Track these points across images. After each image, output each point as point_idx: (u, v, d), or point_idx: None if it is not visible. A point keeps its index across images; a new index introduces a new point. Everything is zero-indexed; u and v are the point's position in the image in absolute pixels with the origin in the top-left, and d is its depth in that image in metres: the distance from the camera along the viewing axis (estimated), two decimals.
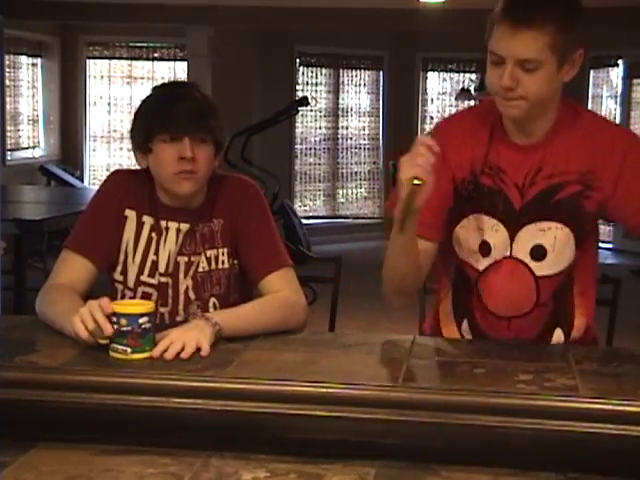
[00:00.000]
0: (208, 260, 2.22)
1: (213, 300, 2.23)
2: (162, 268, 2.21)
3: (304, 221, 9.52)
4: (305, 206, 10.36)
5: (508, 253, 2.00)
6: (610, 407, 1.55)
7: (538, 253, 1.99)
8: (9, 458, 1.55)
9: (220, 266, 2.22)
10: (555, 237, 1.98)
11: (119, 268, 2.22)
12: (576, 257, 2.02)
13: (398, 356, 1.87)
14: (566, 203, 1.96)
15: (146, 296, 2.18)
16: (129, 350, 1.78)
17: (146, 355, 1.79)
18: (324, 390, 1.61)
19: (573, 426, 1.54)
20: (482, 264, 2.03)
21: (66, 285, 2.13)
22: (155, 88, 2.34)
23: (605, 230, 10.01)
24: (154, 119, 2.16)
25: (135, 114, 2.25)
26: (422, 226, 1.92)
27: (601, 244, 9.92)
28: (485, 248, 2.02)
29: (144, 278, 2.21)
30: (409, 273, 1.99)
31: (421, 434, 1.58)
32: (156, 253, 2.21)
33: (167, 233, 2.22)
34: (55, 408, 1.64)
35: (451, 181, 2.01)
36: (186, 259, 2.21)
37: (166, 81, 2.48)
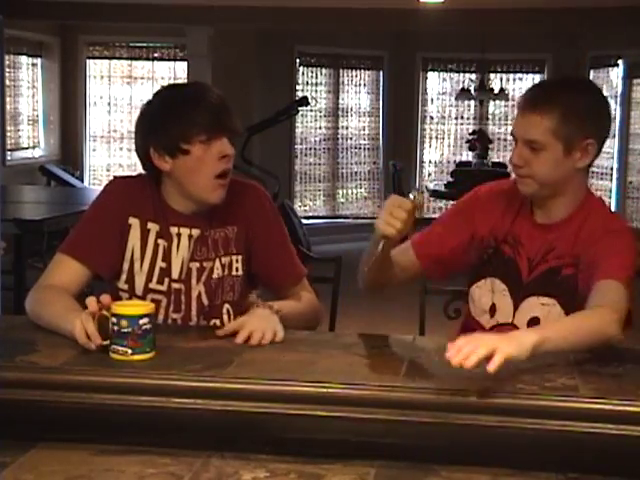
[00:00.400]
0: (223, 267, 2.21)
1: (227, 306, 2.23)
2: (175, 274, 2.19)
3: (304, 221, 9.52)
4: (305, 206, 10.36)
5: (510, 320, 2.16)
6: (610, 407, 1.55)
7: (533, 324, 2.12)
8: (9, 458, 1.55)
9: (234, 273, 2.23)
10: (549, 312, 2.11)
11: (123, 277, 2.19)
12: None
13: (398, 356, 1.87)
14: (565, 283, 2.10)
15: (155, 303, 2.12)
16: (129, 351, 1.78)
17: (146, 356, 1.79)
18: (324, 390, 1.61)
19: (573, 426, 1.54)
20: (488, 324, 2.21)
21: (59, 286, 2.11)
22: (167, 89, 2.27)
23: None
24: (188, 119, 2.08)
25: (153, 116, 2.15)
26: (421, 246, 2.22)
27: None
28: (493, 309, 2.20)
29: (153, 285, 2.18)
30: (378, 276, 2.21)
31: (421, 434, 1.58)
32: (165, 260, 2.18)
33: (179, 239, 2.19)
34: (55, 408, 1.64)
35: (470, 234, 2.22)
36: (198, 265, 2.20)
37: (172, 83, 2.42)
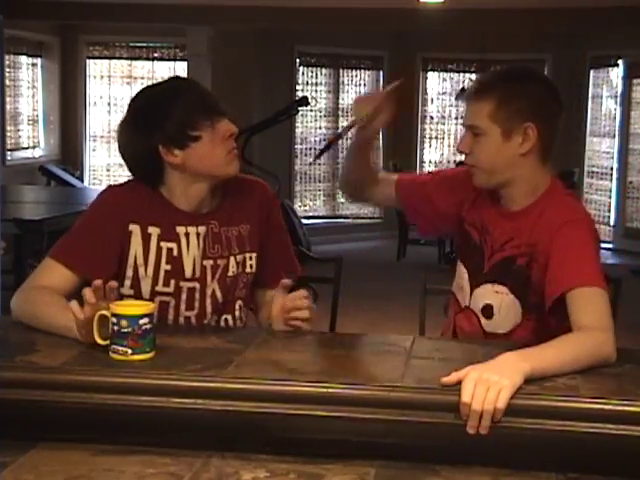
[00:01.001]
0: (237, 264, 2.23)
1: (239, 303, 2.26)
2: (189, 273, 2.19)
3: (304, 221, 9.52)
4: (305, 206, 10.36)
5: (468, 303, 2.20)
6: (610, 407, 1.55)
7: (487, 312, 2.15)
8: (9, 458, 1.56)
9: (247, 270, 2.25)
10: (502, 300, 2.13)
11: (127, 282, 2.18)
12: (534, 327, 2.11)
13: (398, 356, 1.87)
14: (519, 272, 2.10)
15: (163, 305, 2.16)
16: (129, 351, 1.77)
17: (146, 356, 1.79)
18: (324, 390, 1.61)
19: (573, 426, 1.54)
20: (462, 303, 2.24)
21: (50, 288, 2.09)
22: (150, 88, 2.29)
23: (605, 230, 10.02)
24: (189, 106, 2.12)
25: (151, 114, 2.15)
26: (404, 187, 2.32)
27: (601, 244, 9.94)
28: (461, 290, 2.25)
29: (159, 288, 2.18)
30: (354, 176, 2.36)
31: (421, 434, 1.58)
32: (170, 262, 2.18)
33: (188, 238, 2.19)
34: (55, 408, 1.64)
35: (457, 209, 2.25)
36: (212, 262, 2.20)
37: (149, 84, 2.41)
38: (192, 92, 2.16)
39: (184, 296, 2.19)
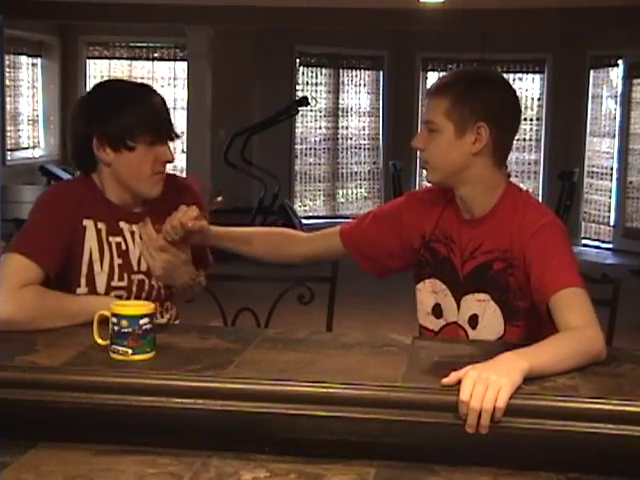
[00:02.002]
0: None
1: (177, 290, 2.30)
2: (136, 266, 2.23)
3: (304, 221, 9.53)
4: (305, 206, 10.36)
5: (456, 319, 2.18)
6: (610, 407, 1.55)
7: (473, 322, 2.15)
8: (9, 458, 1.55)
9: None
10: (485, 308, 2.13)
11: (83, 281, 2.18)
12: (520, 332, 2.09)
13: (398, 356, 1.87)
14: (496, 278, 2.11)
15: (117, 298, 2.15)
16: (130, 351, 1.77)
17: (146, 356, 1.79)
18: (324, 390, 1.61)
19: (573, 426, 1.54)
20: (436, 325, 2.21)
21: (32, 285, 2.07)
22: (113, 83, 2.33)
23: (605, 230, 10.03)
24: (140, 118, 2.15)
25: (101, 105, 2.18)
26: (350, 237, 2.28)
27: (601, 244, 9.94)
28: (437, 310, 2.21)
29: (115, 283, 2.21)
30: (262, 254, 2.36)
31: (421, 434, 1.58)
32: (120, 255, 2.22)
33: (133, 235, 2.24)
34: (55, 408, 1.64)
35: (399, 241, 2.25)
36: None
37: (115, 78, 2.44)
38: (150, 106, 2.19)
39: (134, 289, 2.23)
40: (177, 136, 2.28)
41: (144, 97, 2.21)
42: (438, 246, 2.20)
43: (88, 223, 2.20)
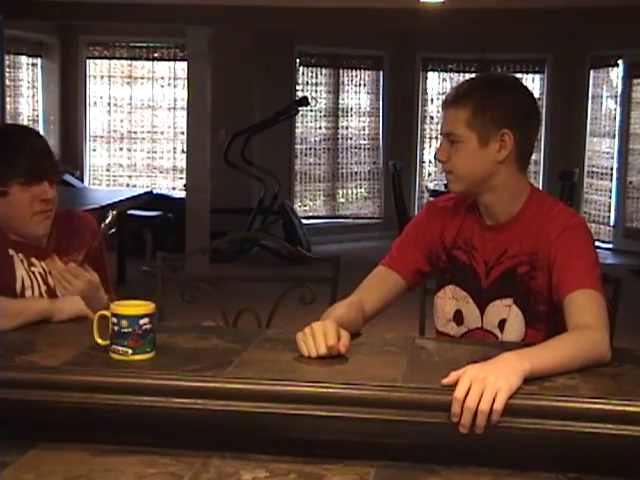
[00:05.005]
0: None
1: None
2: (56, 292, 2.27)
3: (304, 221, 9.52)
4: (305, 206, 10.36)
5: (480, 325, 2.18)
6: (610, 407, 1.55)
7: (502, 326, 2.15)
8: (9, 458, 1.56)
9: None
10: (510, 312, 2.13)
11: None
12: (540, 335, 2.08)
13: (398, 356, 1.87)
14: (519, 282, 2.11)
15: None
16: (130, 351, 1.78)
17: (147, 356, 1.79)
18: (324, 390, 1.61)
19: (573, 426, 1.54)
20: (457, 332, 2.21)
21: None
22: (8, 127, 2.40)
23: (605, 230, 10.03)
24: (11, 163, 2.19)
25: None
26: (398, 263, 2.23)
27: (601, 244, 9.93)
28: (459, 317, 2.21)
29: None
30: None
31: (421, 434, 1.58)
32: (45, 283, 2.28)
33: (42, 267, 2.30)
34: (55, 408, 1.64)
35: (428, 248, 2.24)
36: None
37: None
38: (23, 148, 2.21)
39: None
40: (56, 176, 2.31)
41: (13, 141, 2.24)
42: (459, 253, 2.20)
43: (13, 252, 2.28)
